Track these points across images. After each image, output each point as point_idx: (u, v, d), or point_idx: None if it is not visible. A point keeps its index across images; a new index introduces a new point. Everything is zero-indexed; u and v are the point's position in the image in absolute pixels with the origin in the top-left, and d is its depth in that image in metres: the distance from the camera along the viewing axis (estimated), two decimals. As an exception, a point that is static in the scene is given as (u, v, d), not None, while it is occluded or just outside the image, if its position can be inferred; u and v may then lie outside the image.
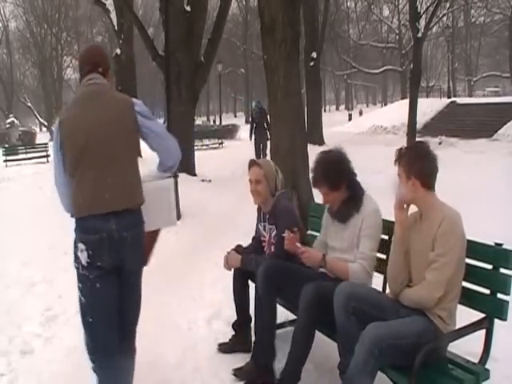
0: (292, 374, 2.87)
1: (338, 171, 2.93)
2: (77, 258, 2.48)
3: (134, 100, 2.56)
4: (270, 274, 3.01)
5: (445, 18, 36.07)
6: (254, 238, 3.72)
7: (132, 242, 2.46)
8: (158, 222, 2.71)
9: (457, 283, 2.49)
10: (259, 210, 3.56)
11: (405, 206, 2.63)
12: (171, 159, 2.62)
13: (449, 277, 2.42)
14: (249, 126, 14.74)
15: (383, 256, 3.03)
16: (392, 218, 2.71)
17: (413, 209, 2.66)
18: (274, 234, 3.39)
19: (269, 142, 11.51)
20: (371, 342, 2.33)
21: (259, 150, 13.70)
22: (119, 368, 2.54)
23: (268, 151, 11.69)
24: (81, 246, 2.42)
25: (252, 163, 3.46)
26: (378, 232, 2.90)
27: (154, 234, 2.73)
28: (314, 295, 2.77)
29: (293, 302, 2.96)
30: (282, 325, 3.26)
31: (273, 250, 3.37)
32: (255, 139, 13.89)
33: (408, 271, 2.63)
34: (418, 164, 2.55)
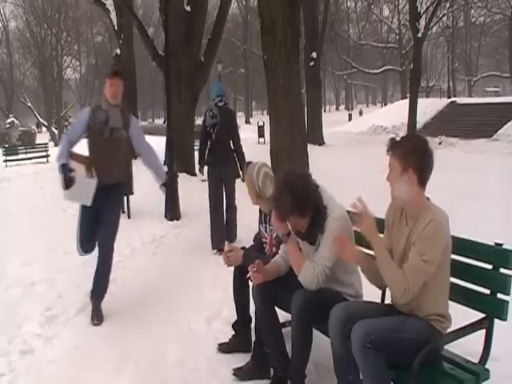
0: (297, 374, 2.88)
1: (306, 199, 2.72)
2: None
3: None
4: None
5: (445, 18, 36.14)
6: (255, 239, 3.72)
7: None
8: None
9: (444, 285, 2.47)
10: (261, 211, 3.56)
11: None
12: None
13: (426, 277, 2.37)
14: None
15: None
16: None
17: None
18: (274, 235, 3.38)
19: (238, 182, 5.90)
20: (359, 338, 2.31)
21: (219, 202, 6.08)
22: None
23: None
24: None
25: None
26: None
27: None
28: (305, 300, 2.75)
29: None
30: (283, 324, 3.25)
31: (274, 250, 3.37)
32: (209, 174, 6.18)
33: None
34: (416, 156, 2.39)
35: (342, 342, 2.47)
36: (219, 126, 5.99)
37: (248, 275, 2.96)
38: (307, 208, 2.76)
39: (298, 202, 2.70)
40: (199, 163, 6.37)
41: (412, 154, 2.39)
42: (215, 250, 5.94)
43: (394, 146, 2.44)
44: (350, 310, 2.55)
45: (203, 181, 5.81)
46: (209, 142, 6.13)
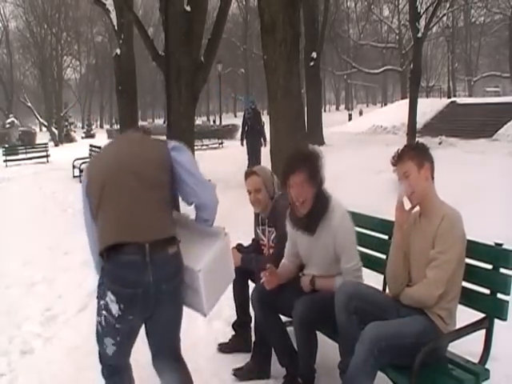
0: (306, 370, 2.91)
1: (318, 167, 2.81)
2: (103, 299, 2.20)
3: (168, 140, 2.47)
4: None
5: (445, 18, 36.10)
6: (253, 240, 3.72)
7: (170, 296, 2.23)
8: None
9: (457, 282, 2.49)
10: (257, 213, 3.55)
11: (406, 207, 2.61)
12: (206, 210, 2.39)
13: (449, 275, 2.41)
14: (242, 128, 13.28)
15: (382, 256, 3.04)
16: (392, 218, 2.71)
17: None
18: (273, 236, 3.38)
19: (262, 148, 11.63)
20: (371, 341, 2.33)
21: (252, 158, 12.01)
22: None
23: (262, 158, 10.98)
24: (111, 296, 2.15)
25: (249, 173, 3.42)
26: (353, 237, 2.84)
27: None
28: (305, 310, 2.76)
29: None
30: (285, 324, 3.26)
31: (272, 251, 3.37)
32: (247, 144, 12.39)
33: (407, 271, 2.63)
34: (424, 152, 2.59)
35: (347, 318, 2.53)
36: (252, 119, 12.06)
37: (262, 280, 2.91)
38: (318, 175, 2.79)
39: (313, 164, 2.78)
40: (241, 139, 12.65)
41: (423, 151, 2.59)
42: None
43: (404, 154, 2.59)
44: (357, 287, 2.63)
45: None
46: (246, 127, 12.22)
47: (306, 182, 2.76)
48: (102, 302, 2.21)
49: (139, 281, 2.12)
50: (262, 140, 11.80)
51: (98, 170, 2.29)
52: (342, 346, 2.67)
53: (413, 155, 2.56)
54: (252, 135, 12.05)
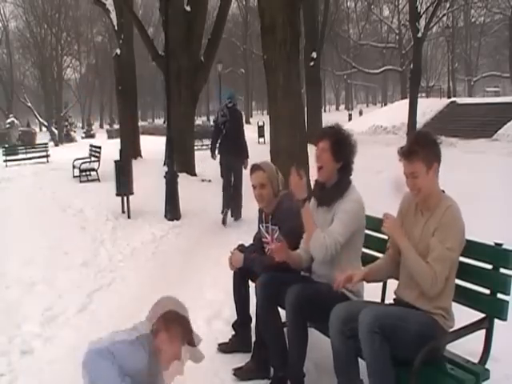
0: (296, 372, 2.89)
1: (346, 143, 2.94)
2: None
3: None
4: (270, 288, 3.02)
5: (445, 18, 36.13)
6: (254, 238, 3.72)
7: None
8: None
9: (452, 278, 2.48)
10: (261, 211, 3.55)
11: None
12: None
13: (451, 265, 2.40)
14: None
15: (380, 255, 3.03)
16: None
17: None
18: (276, 235, 3.37)
19: (244, 171, 7.20)
20: (368, 322, 2.32)
21: (228, 182, 7.49)
22: None
23: (243, 187, 7.13)
24: None
25: (255, 168, 3.44)
26: (352, 220, 2.82)
27: None
28: (297, 296, 2.77)
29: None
30: (284, 324, 3.26)
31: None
32: (221, 161, 7.52)
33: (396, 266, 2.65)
34: (436, 149, 2.51)
35: (341, 342, 2.48)
36: (228, 124, 7.30)
37: (270, 247, 3.01)
38: (342, 150, 2.91)
39: (340, 138, 2.92)
40: (211, 151, 7.72)
41: (432, 149, 2.50)
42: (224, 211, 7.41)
43: (413, 152, 2.47)
44: (350, 309, 2.55)
45: (203, 180, 6.03)
46: (220, 136, 7.47)
47: (328, 151, 2.90)
48: None
49: None
50: (245, 158, 7.39)
51: None
52: (336, 369, 2.60)
53: (423, 156, 2.45)
54: (227, 149, 7.34)
